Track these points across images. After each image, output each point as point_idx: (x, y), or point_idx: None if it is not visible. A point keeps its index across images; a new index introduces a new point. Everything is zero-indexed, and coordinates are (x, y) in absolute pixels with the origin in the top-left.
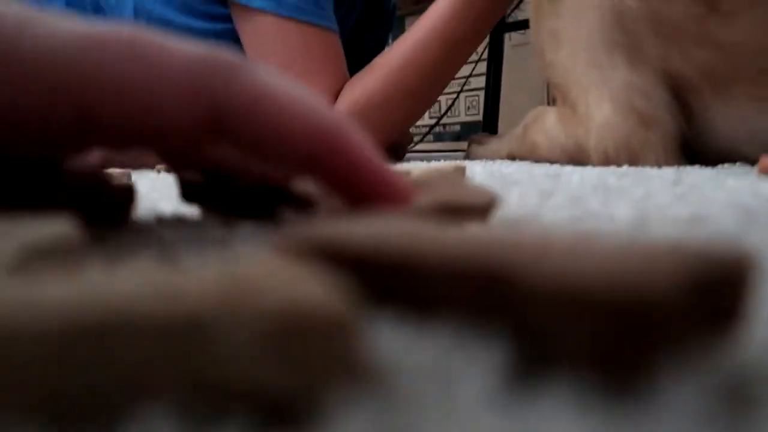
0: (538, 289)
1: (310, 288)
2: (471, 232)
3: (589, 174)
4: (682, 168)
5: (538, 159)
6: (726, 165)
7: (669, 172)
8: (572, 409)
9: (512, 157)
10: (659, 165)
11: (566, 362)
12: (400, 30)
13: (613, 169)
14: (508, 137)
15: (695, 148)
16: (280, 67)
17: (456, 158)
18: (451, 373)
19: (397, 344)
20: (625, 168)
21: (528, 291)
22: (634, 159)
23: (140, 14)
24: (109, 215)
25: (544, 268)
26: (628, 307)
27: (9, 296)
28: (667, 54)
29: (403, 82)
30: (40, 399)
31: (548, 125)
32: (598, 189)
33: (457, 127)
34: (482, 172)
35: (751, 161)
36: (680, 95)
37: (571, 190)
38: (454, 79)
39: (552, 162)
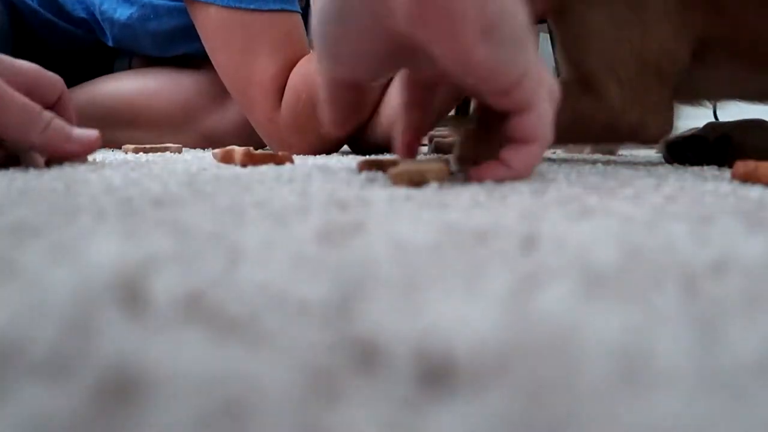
0: None
1: None
2: None
3: (568, 171)
4: (656, 168)
5: None
6: (696, 168)
7: (647, 174)
8: None
9: None
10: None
11: None
12: None
13: (589, 167)
14: None
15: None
16: (229, 62)
17: (421, 151)
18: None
19: None
20: (601, 166)
21: None
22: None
23: None
24: None
25: None
26: None
27: None
28: (710, 27)
29: None
30: None
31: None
32: (588, 187)
33: None
34: None
35: None
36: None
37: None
38: None
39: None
